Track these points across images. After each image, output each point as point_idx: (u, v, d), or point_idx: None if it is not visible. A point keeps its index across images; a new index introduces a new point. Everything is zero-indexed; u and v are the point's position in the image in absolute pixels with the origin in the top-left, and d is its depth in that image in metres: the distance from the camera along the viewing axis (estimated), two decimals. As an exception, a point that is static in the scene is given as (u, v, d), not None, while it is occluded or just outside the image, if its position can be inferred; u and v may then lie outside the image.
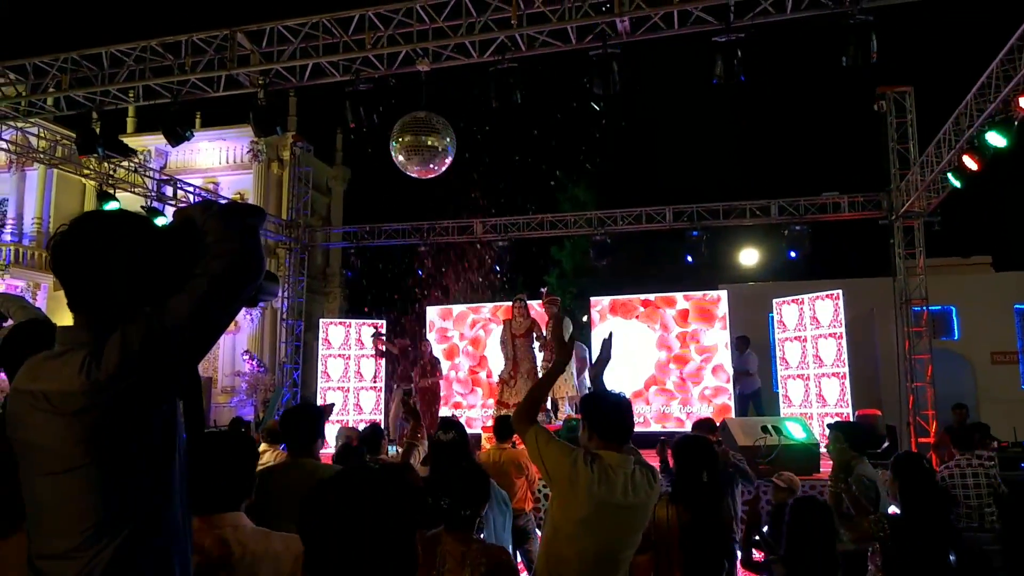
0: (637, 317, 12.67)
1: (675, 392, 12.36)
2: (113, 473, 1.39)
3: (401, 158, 8.29)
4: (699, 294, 12.93)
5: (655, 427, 11.93)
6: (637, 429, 2.95)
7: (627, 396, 2.95)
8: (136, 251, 1.45)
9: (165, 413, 1.47)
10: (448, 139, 8.34)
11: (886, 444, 9.28)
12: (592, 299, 13.34)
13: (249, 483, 2.16)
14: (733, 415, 10.87)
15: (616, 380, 10.61)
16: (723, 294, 12.76)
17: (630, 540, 2.77)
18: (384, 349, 11.86)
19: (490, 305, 10.79)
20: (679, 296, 12.87)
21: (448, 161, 8.53)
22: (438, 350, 13.57)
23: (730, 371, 11.99)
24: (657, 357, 12.43)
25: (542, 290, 11.81)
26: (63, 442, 1.38)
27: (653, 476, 2.81)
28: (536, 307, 11.10)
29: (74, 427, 1.37)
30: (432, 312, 14.20)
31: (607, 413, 2.80)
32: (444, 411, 12.38)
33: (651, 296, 13.08)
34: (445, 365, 13.44)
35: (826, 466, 8.20)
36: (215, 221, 1.48)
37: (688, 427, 11.94)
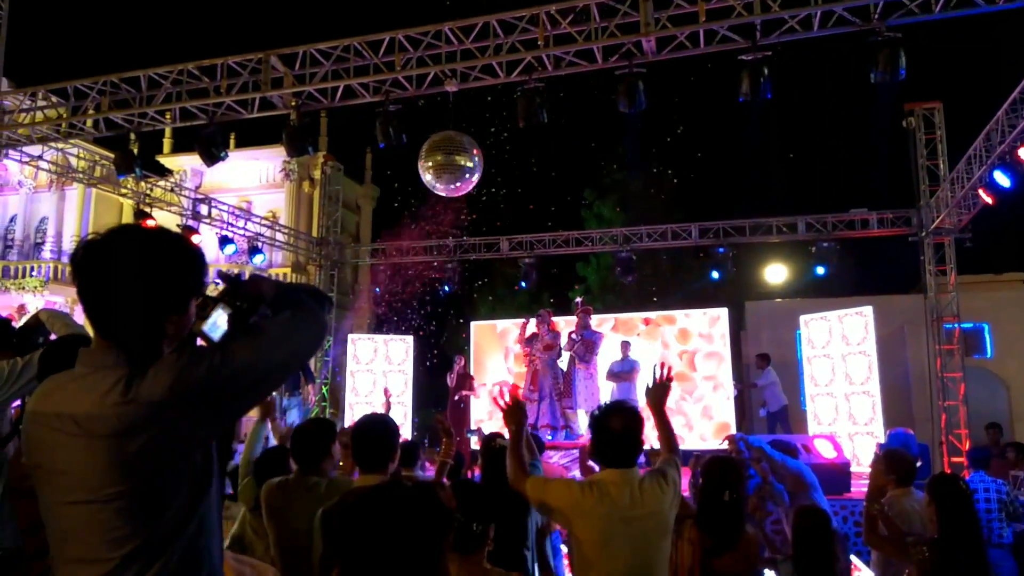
0: (638, 335, 12.73)
1: (676, 410, 12.45)
2: (147, 501, 1.34)
3: (429, 176, 8.40)
4: (700, 312, 12.98)
5: (655, 444, 11.96)
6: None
7: (639, 413, 2.94)
8: (147, 266, 1.43)
9: (205, 445, 1.45)
10: (475, 158, 8.44)
11: (918, 464, 9.11)
12: (595, 318, 13.35)
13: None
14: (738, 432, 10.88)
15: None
16: (723, 312, 12.77)
17: (656, 549, 2.76)
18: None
19: (535, 320, 10.90)
20: (679, 314, 12.95)
21: (475, 179, 8.62)
22: (484, 365, 13.74)
23: (731, 389, 12.03)
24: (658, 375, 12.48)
25: (577, 300, 11.88)
26: (92, 468, 1.33)
27: (664, 479, 2.80)
28: (561, 321, 11.16)
29: (105, 451, 1.32)
30: (476, 328, 14.35)
31: (611, 441, 2.81)
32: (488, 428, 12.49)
33: (652, 314, 13.17)
34: (490, 380, 13.60)
35: (856, 486, 8.11)
36: (307, 294, 1.58)
37: (686, 443, 12.04)
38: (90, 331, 1.50)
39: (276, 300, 1.55)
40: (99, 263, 1.42)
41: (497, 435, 4.21)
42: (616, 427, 2.82)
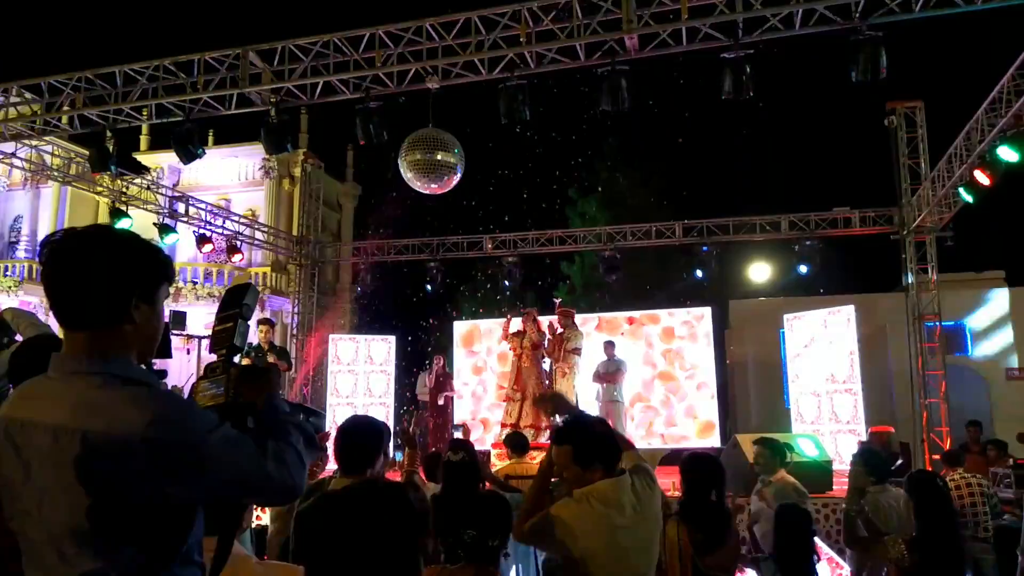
0: (622, 334, 12.73)
1: (660, 409, 12.47)
2: (111, 528, 1.28)
3: (410, 174, 8.33)
4: (684, 311, 13.01)
5: (640, 444, 12.04)
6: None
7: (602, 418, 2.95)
8: (111, 246, 1.42)
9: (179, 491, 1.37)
10: (457, 155, 8.38)
11: (900, 462, 9.17)
12: (579, 317, 13.32)
13: (241, 511, 2.13)
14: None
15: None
16: (707, 311, 12.81)
17: (654, 551, 2.73)
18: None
19: (519, 320, 10.81)
20: (663, 313, 12.99)
21: (457, 177, 8.56)
22: (467, 365, 13.65)
23: (714, 387, 12.10)
24: (642, 374, 12.53)
25: (555, 300, 11.81)
26: (56, 482, 1.28)
27: (650, 478, 2.76)
28: (545, 321, 11.09)
29: (71, 467, 1.26)
30: (459, 327, 14.26)
31: (601, 445, 2.71)
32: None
33: (636, 314, 13.18)
34: (473, 380, 13.52)
35: (838, 484, 8.11)
36: (307, 442, 1.51)
37: (668, 442, 12.09)
38: (60, 332, 1.45)
39: (286, 427, 1.50)
40: (65, 247, 1.42)
41: (458, 444, 4.06)
42: (600, 432, 2.77)
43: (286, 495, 1.47)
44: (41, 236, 22.77)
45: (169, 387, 1.83)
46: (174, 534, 1.36)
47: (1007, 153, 7.89)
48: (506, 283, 13.62)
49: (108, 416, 1.28)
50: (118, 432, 1.27)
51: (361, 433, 2.96)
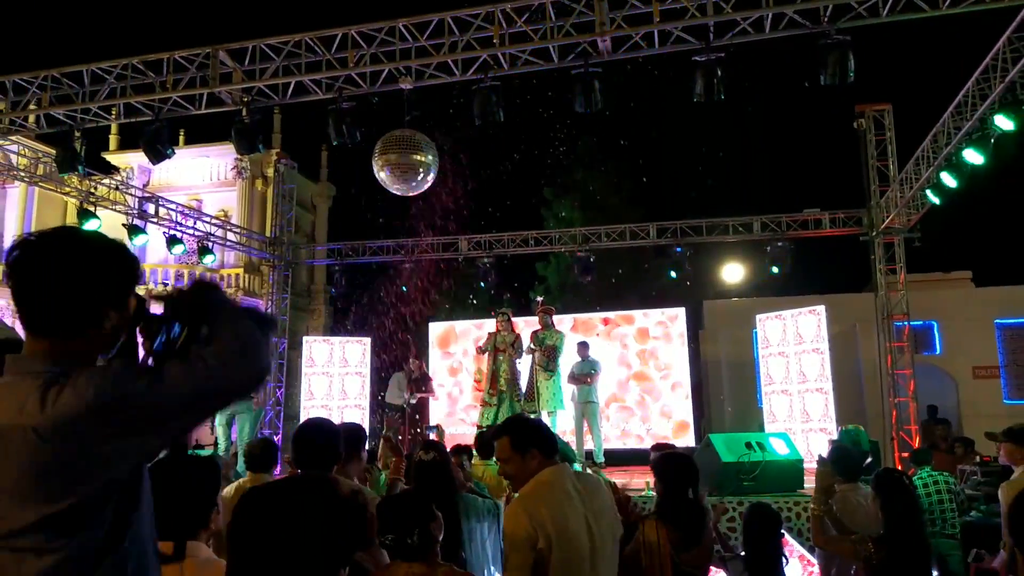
0: (597, 335, 12.79)
1: (635, 409, 12.53)
2: (61, 517, 1.27)
3: (384, 175, 8.27)
4: (658, 311, 13.11)
5: (616, 444, 12.13)
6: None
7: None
8: (83, 254, 1.39)
9: (133, 463, 1.36)
10: (431, 156, 8.34)
11: (869, 460, 9.28)
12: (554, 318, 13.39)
13: (207, 512, 2.11)
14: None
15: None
16: (681, 312, 12.92)
17: (606, 547, 2.71)
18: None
19: (493, 321, 10.78)
20: (638, 314, 13.07)
21: (431, 178, 8.52)
22: (443, 367, 13.60)
23: (688, 387, 12.20)
24: (617, 375, 12.58)
25: (538, 299, 11.82)
26: (6, 481, 1.27)
27: (596, 481, 2.83)
28: (520, 322, 11.09)
29: (18, 465, 1.26)
30: (435, 328, 14.21)
31: (529, 429, 2.77)
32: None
33: (610, 314, 13.25)
34: (449, 382, 13.48)
35: (809, 482, 8.19)
36: (253, 321, 1.45)
37: (644, 443, 12.16)
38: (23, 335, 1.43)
39: (218, 318, 1.45)
40: (35, 254, 1.38)
41: (430, 444, 4.05)
42: (535, 422, 2.85)
43: (251, 381, 1.44)
44: (7, 237, 22.35)
45: None
46: (123, 516, 1.34)
47: (973, 156, 8.04)
48: (482, 284, 13.61)
49: (53, 403, 1.27)
50: (64, 413, 1.26)
51: (314, 434, 2.95)
